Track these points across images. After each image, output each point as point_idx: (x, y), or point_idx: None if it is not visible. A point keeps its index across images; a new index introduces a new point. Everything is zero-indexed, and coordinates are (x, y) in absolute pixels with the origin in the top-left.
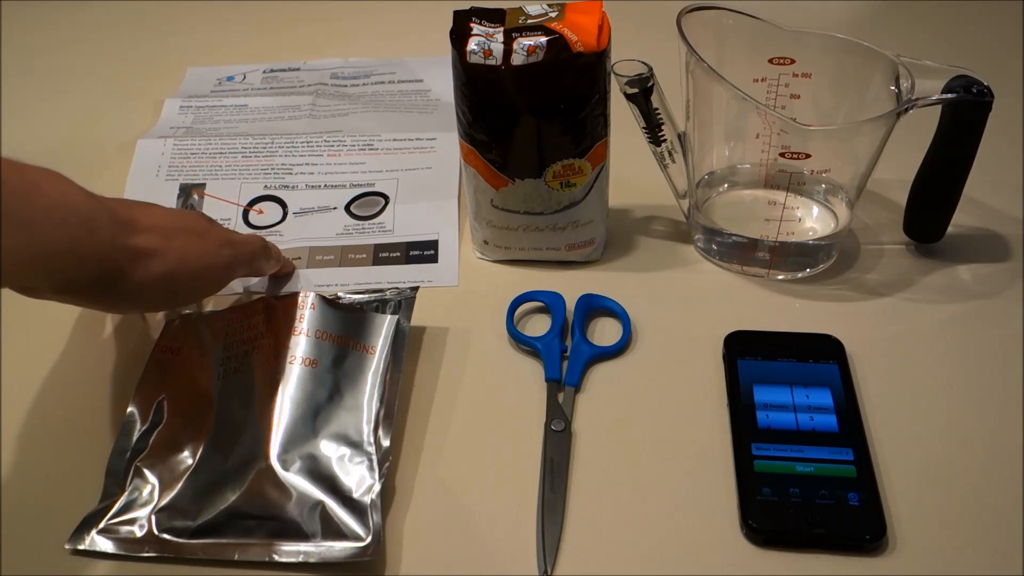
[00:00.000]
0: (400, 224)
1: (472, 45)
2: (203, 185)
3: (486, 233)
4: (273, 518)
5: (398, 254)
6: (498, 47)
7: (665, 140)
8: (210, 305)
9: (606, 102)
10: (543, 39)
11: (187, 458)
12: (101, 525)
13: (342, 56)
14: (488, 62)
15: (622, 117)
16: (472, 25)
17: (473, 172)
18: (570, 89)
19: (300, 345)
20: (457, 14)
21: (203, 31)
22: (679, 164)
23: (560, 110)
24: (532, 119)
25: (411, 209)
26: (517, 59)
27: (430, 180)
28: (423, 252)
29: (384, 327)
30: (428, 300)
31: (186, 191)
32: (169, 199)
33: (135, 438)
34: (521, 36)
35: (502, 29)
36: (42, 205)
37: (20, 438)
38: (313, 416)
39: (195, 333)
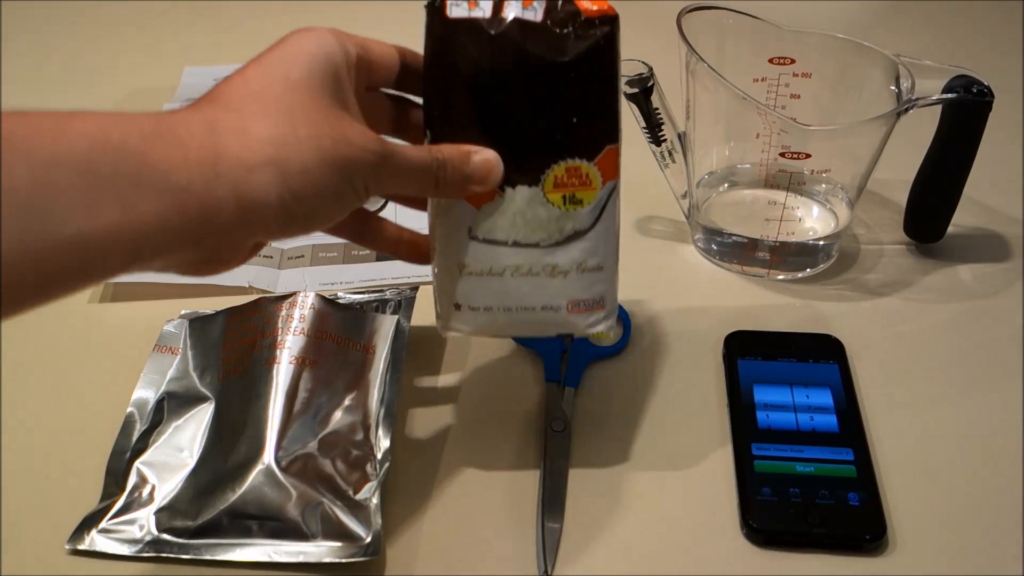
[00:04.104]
0: (402, 220)
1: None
2: None
3: (461, 289)
4: (273, 518)
5: None
6: (487, 3)
7: (665, 140)
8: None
9: (617, 90)
10: None
11: (187, 458)
12: (101, 525)
13: None
14: (474, 14)
15: (622, 116)
16: None
17: None
18: (576, 60)
19: (300, 345)
20: None
21: (199, 31)
22: (679, 164)
23: (563, 87)
24: (528, 98)
25: None
26: (510, 12)
27: None
28: None
29: (384, 327)
30: (428, 300)
31: None
32: None
33: (135, 438)
34: None
35: None
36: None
37: (20, 438)
38: (313, 416)
39: (195, 333)
